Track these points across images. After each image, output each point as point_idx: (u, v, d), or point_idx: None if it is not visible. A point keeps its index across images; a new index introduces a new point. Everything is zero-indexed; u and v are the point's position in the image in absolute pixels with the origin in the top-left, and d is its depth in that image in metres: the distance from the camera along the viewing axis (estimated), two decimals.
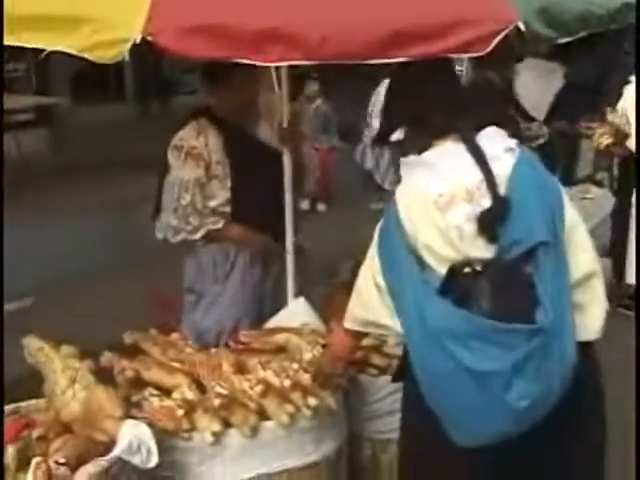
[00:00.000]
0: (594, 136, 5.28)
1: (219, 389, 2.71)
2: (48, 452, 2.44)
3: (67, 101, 9.85)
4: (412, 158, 2.40)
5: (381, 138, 2.58)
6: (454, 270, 2.23)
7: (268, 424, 2.72)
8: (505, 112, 4.26)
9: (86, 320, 4.94)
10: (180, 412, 2.60)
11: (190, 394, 2.72)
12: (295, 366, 2.86)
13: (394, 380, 2.68)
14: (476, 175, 2.30)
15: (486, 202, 2.27)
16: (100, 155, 8.51)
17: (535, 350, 2.14)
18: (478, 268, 2.23)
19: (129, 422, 2.52)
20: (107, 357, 2.97)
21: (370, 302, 2.40)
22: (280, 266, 3.54)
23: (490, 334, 2.14)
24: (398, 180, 2.43)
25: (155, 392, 2.76)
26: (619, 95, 5.33)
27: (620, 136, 5.11)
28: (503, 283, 2.19)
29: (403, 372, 2.47)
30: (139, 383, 2.86)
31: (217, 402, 2.63)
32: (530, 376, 2.15)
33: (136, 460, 2.45)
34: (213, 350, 3.18)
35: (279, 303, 3.46)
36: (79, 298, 5.60)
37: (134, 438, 2.46)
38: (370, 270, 2.41)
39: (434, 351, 2.20)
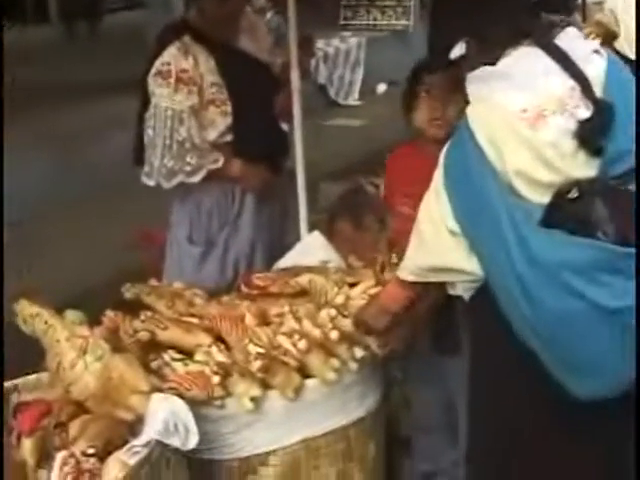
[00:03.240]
0: None
1: (255, 348, 2.34)
2: (68, 440, 2.07)
3: None
4: (483, 70, 2.03)
5: (437, 57, 2.20)
6: (560, 195, 1.89)
7: (310, 382, 2.38)
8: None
9: (61, 262, 4.50)
10: (216, 379, 2.23)
11: (219, 355, 2.35)
12: (333, 312, 2.50)
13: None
14: (564, 81, 1.95)
15: (582, 111, 1.93)
16: (26, 84, 7.82)
17: None
18: (582, 189, 1.89)
19: (158, 396, 2.15)
20: (110, 317, 2.57)
21: (438, 246, 2.05)
22: (282, 201, 3.17)
23: (621, 264, 1.83)
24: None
25: (177, 356, 2.38)
26: None
27: (609, 36, 4.81)
28: (618, 204, 1.86)
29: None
30: (152, 346, 2.48)
31: (257, 364, 2.27)
32: None
33: (175, 441, 2.09)
34: (225, 298, 2.81)
35: (289, 240, 3.09)
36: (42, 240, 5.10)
37: (170, 415, 2.09)
38: (436, 211, 2.06)
39: (549, 288, 1.87)
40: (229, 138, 3.00)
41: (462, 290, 2.15)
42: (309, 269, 2.85)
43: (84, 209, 5.31)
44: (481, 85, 2.01)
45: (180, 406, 2.13)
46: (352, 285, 2.75)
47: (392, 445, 2.79)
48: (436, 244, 2.05)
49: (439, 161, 2.08)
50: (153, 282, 2.86)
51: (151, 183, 2.95)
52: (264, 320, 2.62)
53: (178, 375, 2.31)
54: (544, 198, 1.92)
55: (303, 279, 2.77)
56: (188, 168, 2.91)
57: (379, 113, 8.12)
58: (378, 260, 2.94)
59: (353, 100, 9.55)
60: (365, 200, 3.48)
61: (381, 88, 9.83)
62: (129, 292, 2.73)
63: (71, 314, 2.34)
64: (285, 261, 3.00)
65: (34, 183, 5.50)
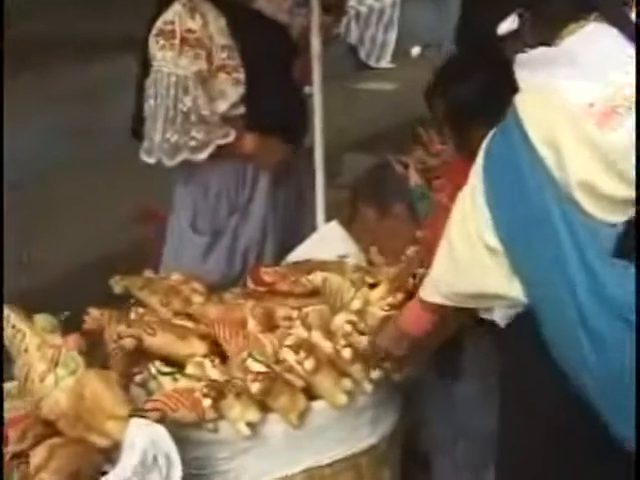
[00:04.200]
0: None
1: (255, 364, 2.02)
2: (28, 472, 1.76)
3: None
4: (539, 51, 1.66)
5: (479, 32, 1.83)
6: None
7: (318, 405, 2.06)
8: None
9: (50, 236, 4.19)
10: (206, 402, 1.91)
11: (213, 371, 2.03)
12: (348, 328, 2.16)
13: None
14: None
15: None
16: (28, 39, 7.41)
17: None
18: None
19: (136, 422, 1.83)
20: (94, 317, 2.25)
21: (473, 266, 1.69)
22: (298, 184, 2.83)
23: None
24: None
25: (166, 369, 2.06)
26: None
27: None
28: None
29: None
30: (140, 353, 2.16)
31: (256, 387, 1.94)
32: None
33: (155, 477, 1.77)
34: (228, 296, 2.48)
35: (304, 229, 2.74)
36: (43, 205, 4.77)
37: (149, 445, 1.78)
38: (471, 222, 1.70)
39: (615, 325, 1.55)
40: (241, 110, 2.62)
41: (500, 317, 1.81)
42: (324, 265, 2.50)
43: (88, 175, 4.98)
44: (536, 70, 1.64)
45: (161, 434, 1.81)
46: (372, 286, 2.41)
47: (409, 463, 2.47)
48: (472, 265, 1.69)
49: (477, 159, 1.72)
50: (148, 273, 2.53)
51: (151, 160, 2.60)
52: (269, 324, 2.30)
53: (164, 394, 1.98)
54: (614, 216, 1.55)
55: (317, 278, 2.43)
56: (193, 143, 2.54)
57: (412, 77, 7.67)
58: (404, 258, 2.62)
59: (385, 63, 9.10)
60: (392, 182, 3.12)
61: (415, 51, 9.37)
62: (118, 285, 2.40)
63: (42, 319, 2.01)
64: (298, 254, 2.65)
65: (37, 145, 5.18)
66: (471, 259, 1.70)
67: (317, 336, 2.13)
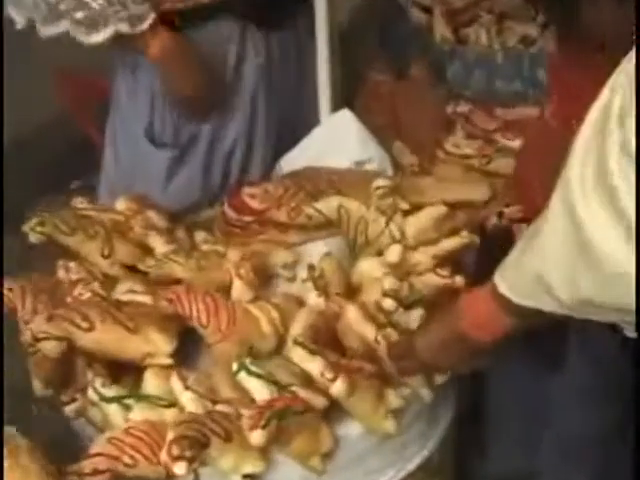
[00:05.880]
0: None
1: (252, 381, 1.27)
2: None
3: None
4: None
5: None
6: None
7: (353, 434, 1.35)
8: None
9: None
10: (178, 468, 1.18)
11: (186, 396, 1.29)
12: (389, 303, 1.41)
13: None
14: None
15: None
16: None
17: None
18: None
19: None
20: (11, 294, 1.48)
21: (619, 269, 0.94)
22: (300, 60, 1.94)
23: None
24: None
25: (109, 392, 1.31)
26: None
27: None
28: None
29: None
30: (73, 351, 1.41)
31: (257, 438, 1.20)
32: None
33: None
34: (201, 237, 1.70)
35: (305, 124, 1.91)
36: None
37: None
38: (577, 188, 0.95)
39: None
40: None
41: (631, 330, 1.09)
42: (336, 181, 1.72)
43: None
44: None
45: None
46: (407, 213, 1.65)
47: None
48: (617, 262, 0.94)
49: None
50: (79, 203, 1.72)
51: (20, 20, 1.70)
52: (264, 282, 1.57)
53: (112, 439, 1.25)
54: None
55: (328, 205, 1.65)
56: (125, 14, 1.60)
57: None
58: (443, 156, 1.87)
59: None
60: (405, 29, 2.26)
61: None
62: (35, 233, 1.59)
63: None
64: (296, 158, 1.85)
65: None
66: (617, 250, 0.93)
67: (350, 317, 1.38)
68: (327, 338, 1.43)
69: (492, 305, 1.13)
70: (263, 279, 1.58)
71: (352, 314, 1.38)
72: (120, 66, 1.80)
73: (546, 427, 1.67)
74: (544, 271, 1.03)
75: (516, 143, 1.88)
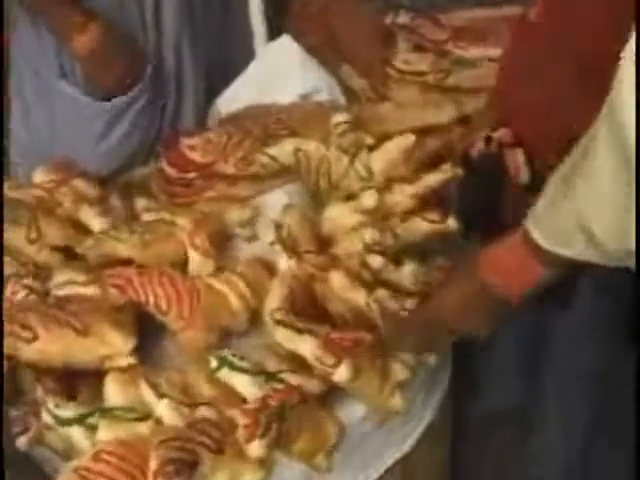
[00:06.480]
0: None
1: (238, 378, 1.08)
2: None
3: None
4: None
5: None
6: None
7: (356, 415, 1.17)
8: None
9: None
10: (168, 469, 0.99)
11: (163, 406, 1.09)
12: (378, 260, 1.22)
13: None
14: None
15: None
16: None
17: None
18: None
19: None
20: None
21: None
22: None
23: None
24: None
25: (66, 412, 1.10)
26: None
27: None
28: None
29: None
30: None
31: (256, 450, 1.01)
32: None
33: None
34: (141, 204, 1.48)
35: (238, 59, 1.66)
36: None
37: None
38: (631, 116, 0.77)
39: None
40: None
41: None
42: (283, 120, 1.51)
43: None
44: None
45: None
46: (372, 148, 1.45)
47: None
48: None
49: None
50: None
51: None
52: (223, 247, 1.36)
53: (78, 469, 1.05)
54: None
55: (282, 150, 1.44)
56: None
57: None
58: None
59: None
60: None
61: None
62: None
63: None
64: (233, 98, 1.62)
65: None
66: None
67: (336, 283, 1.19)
68: (306, 304, 1.24)
69: (522, 254, 0.97)
70: (220, 244, 1.38)
71: (337, 282, 1.19)
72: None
73: (547, 361, 1.54)
74: (588, 218, 0.86)
75: (471, 52, 1.69)
